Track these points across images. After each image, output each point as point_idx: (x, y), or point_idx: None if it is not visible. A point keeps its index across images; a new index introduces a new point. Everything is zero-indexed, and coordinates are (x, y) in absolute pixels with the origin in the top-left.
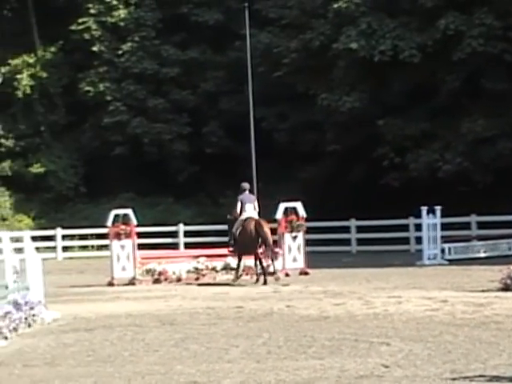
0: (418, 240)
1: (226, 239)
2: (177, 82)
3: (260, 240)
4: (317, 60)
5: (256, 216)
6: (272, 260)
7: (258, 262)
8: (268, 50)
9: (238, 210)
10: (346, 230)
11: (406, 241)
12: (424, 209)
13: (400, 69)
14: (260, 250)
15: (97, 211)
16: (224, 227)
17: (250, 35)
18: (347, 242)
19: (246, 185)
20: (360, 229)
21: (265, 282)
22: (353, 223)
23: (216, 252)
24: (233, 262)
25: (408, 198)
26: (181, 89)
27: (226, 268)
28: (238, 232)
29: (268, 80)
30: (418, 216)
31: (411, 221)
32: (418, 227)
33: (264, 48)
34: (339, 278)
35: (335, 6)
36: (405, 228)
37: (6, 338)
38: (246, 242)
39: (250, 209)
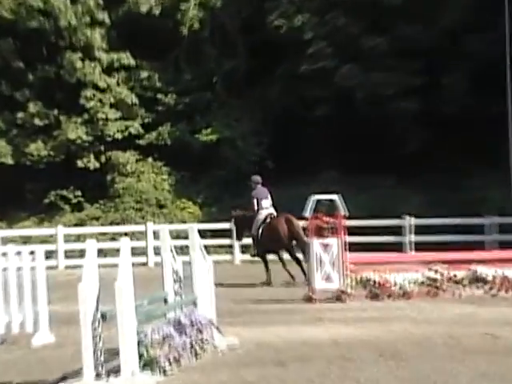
0: None
1: (469, 238)
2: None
3: (292, 236)
4: None
5: (274, 212)
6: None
7: (292, 258)
8: None
9: (255, 208)
10: None
11: None
12: None
13: None
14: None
15: (286, 196)
16: (470, 221)
17: None
18: None
19: (257, 178)
20: None
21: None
22: None
23: (459, 256)
24: (484, 270)
25: None
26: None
27: (474, 280)
28: (260, 231)
29: None
30: None
31: None
32: None
33: None
34: None
35: None
36: None
37: (164, 371)
38: (275, 238)
39: (266, 205)
